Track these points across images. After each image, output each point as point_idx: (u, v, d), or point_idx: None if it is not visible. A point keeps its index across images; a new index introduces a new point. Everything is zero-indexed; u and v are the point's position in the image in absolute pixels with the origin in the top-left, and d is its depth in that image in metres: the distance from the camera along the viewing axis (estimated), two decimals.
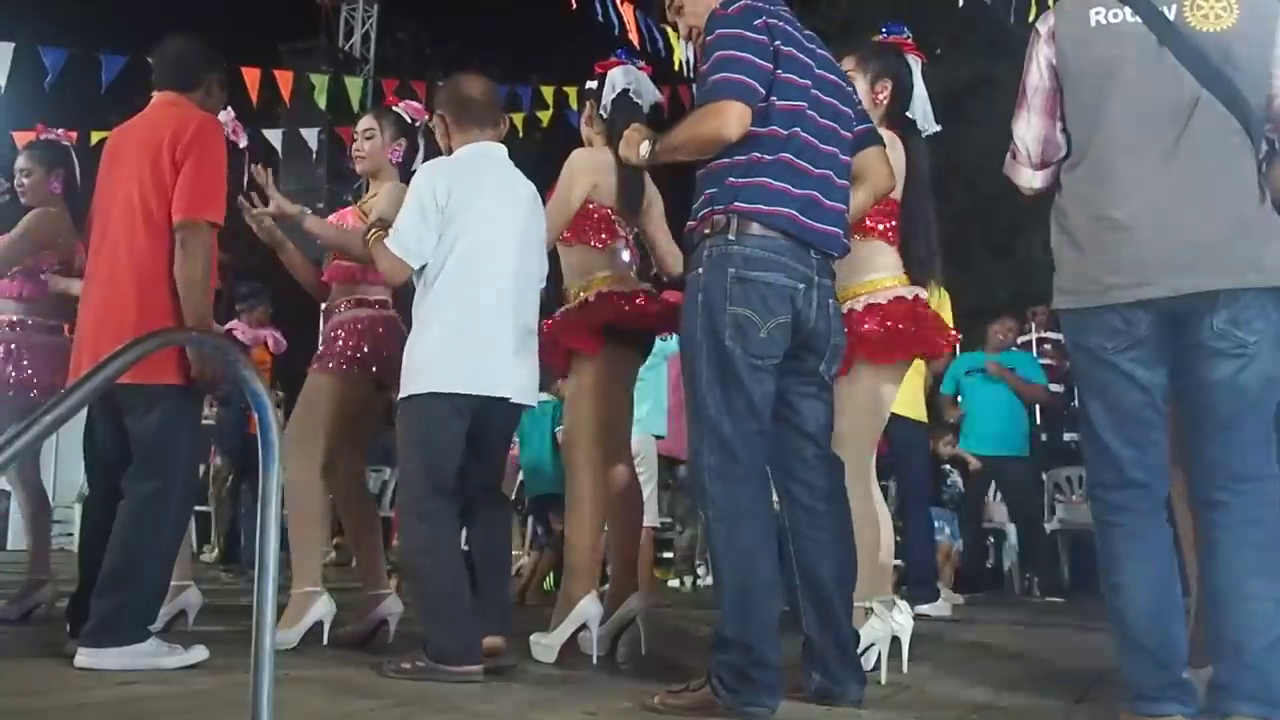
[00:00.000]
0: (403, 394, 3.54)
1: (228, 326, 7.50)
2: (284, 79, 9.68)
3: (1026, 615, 6.31)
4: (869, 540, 3.53)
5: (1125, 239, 2.68)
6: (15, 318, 4.76)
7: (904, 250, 3.82)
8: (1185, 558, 3.07)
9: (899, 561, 5.74)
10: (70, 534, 9.05)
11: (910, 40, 3.95)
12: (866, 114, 3.47)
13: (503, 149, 3.78)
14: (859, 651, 3.21)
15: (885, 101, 3.83)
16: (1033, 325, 9.19)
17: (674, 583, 8.00)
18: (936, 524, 7.00)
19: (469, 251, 3.54)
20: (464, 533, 3.72)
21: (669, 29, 8.95)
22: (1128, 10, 2.74)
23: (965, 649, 4.68)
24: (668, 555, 8.49)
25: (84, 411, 3.66)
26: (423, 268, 3.57)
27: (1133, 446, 2.73)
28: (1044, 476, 8.68)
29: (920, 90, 3.89)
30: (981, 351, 8.20)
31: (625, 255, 4.12)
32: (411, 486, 3.51)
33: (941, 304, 5.46)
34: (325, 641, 4.08)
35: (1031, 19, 6.81)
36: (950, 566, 7.70)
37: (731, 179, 2.96)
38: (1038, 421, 8.92)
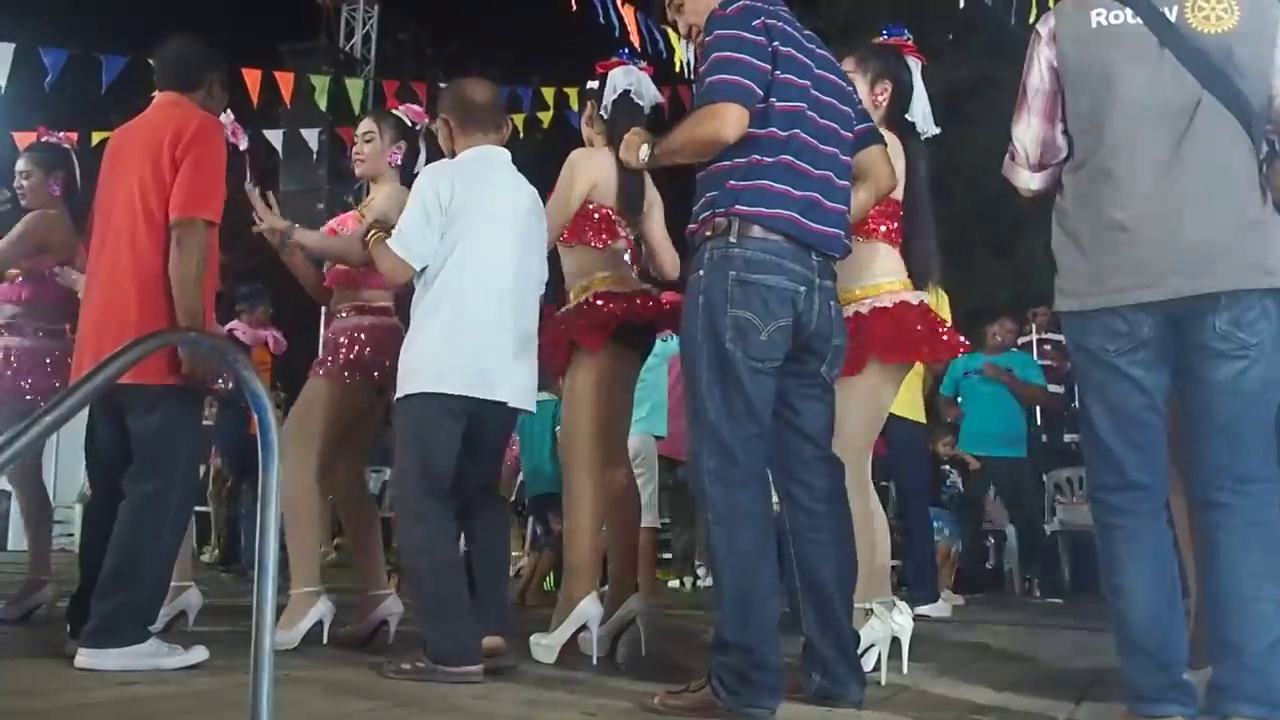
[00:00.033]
0: (399, 394, 3.54)
1: (228, 327, 7.50)
2: (285, 80, 9.69)
3: (1027, 616, 6.31)
4: (868, 541, 3.53)
5: (1127, 240, 2.68)
6: (16, 322, 4.75)
7: (905, 252, 3.82)
8: (1183, 559, 3.07)
9: (896, 562, 5.74)
10: (70, 534, 9.08)
11: (910, 42, 3.95)
12: (867, 113, 3.47)
13: (505, 153, 3.79)
14: (859, 652, 3.21)
15: (885, 103, 3.83)
16: (1033, 326, 9.19)
17: (674, 583, 8.00)
18: (935, 525, 7.00)
19: (469, 253, 3.55)
20: (462, 534, 3.73)
21: (669, 30, 8.95)
22: (1129, 12, 2.74)
23: (965, 650, 4.67)
24: (667, 556, 8.48)
25: (85, 412, 3.68)
26: (424, 271, 3.57)
27: (1134, 449, 2.73)
28: (1044, 477, 8.69)
29: (920, 92, 3.89)
30: (980, 353, 8.20)
31: (626, 256, 4.12)
32: (407, 487, 3.51)
33: (940, 305, 5.46)
34: (325, 642, 4.08)
35: (1032, 20, 6.82)
36: (949, 567, 7.70)
37: (732, 182, 2.96)
38: (1038, 422, 8.93)
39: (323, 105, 10.57)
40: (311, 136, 10.89)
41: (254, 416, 1.97)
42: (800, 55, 3.03)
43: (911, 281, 3.80)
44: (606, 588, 4.26)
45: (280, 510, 1.99)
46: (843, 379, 3.31)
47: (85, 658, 3.31)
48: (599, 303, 3.97)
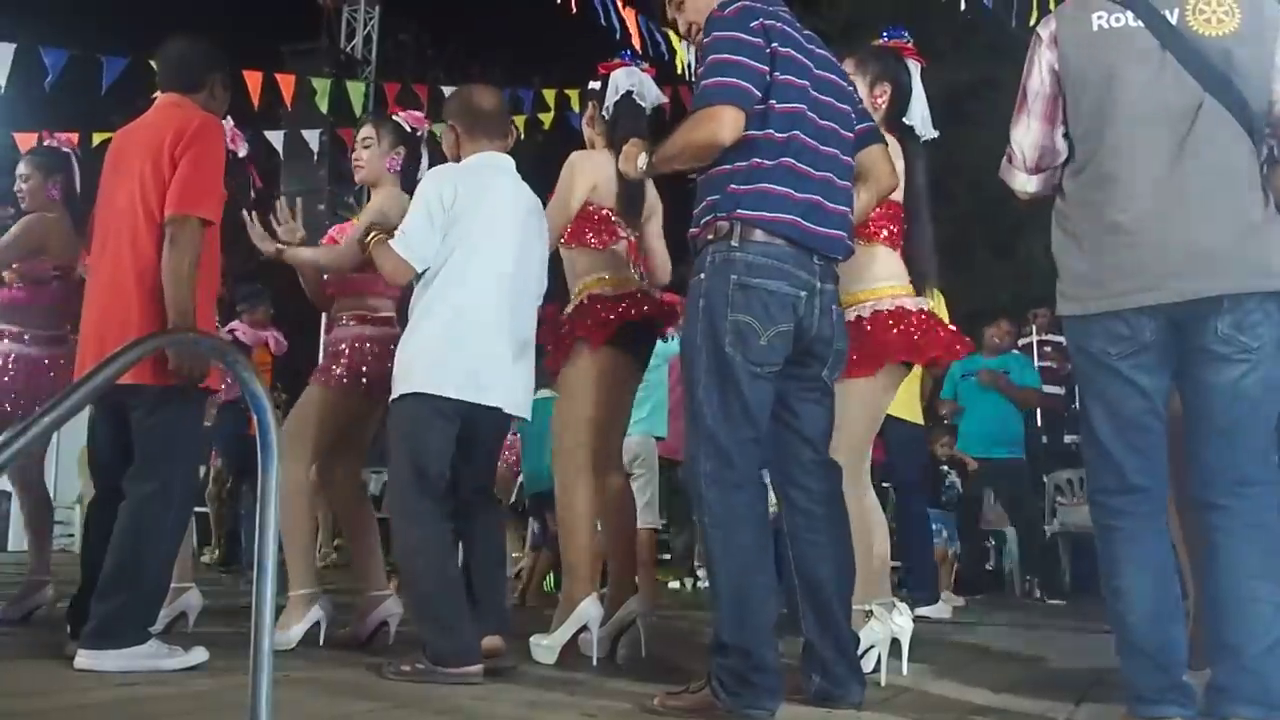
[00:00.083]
0: (394, 395, 3.54)
1: (229, 327, 7.50)
2: (285, 82, 9.69)
3: (1027, 617, 6.31)
4: (866, 543, 3.53)
5: (1129, 243, 2.68)
6: (14, 329, 4.75)
7: (904, 255, 3.82)
8: (1181, 560, 3.07)
9: (896, 564, 5.74)
10: (71, 535, 9.08)
11: (910, 44, 3.94)
12: (868, 113, 3.46)
13: (509, 160, 3.81)
14: (859, 654, 3.21)
15: (884, 105, 3.82)
16: (1034, 328, 9.18)
17: (674, 584, 8.00)
18: (934, 527, 7.00)
19: (468, 257, 3.56)
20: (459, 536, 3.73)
21: (670, 32, 8.94)
22: (1130, 15, 2.74)
23: (965, 651, 4.68)
24: (666, 557, 8.48)
25: (87, 412, 3.68)
26: (423, 273, 3.58)
27: (1135, 453, 2.73)
28: (1045, 479, 8.68)
29: (919, 95, 3.88)
30: (979, 355, 8.20)
31: (627, 256, 4.12)
32: (401, 488, 3.51)
33: (938, 307, 5.47)
34: (323, 643, 4.08)
35: (1033, 22, 6.81)
36: (947, 569, 7.70)
37: (733, 186, 2.95)
38: (1038, 424, 8.92)
39: (324, 108, 10.57)
40: (312, 138, 10.88)
41: (254, 417, 1.97)
42: (799, 56, 3.02)
43: (912, 285, 3.80)
44: (606, 589, 4.26)
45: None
46: (842, 380, 3.31)
47: (85, 659, 3.31)
48: (597, 306, 3.97)
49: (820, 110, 3.05)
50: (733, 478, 2.91)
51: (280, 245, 4.18)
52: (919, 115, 3.87)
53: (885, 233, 3.74)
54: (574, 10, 8.49)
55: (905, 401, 5.73)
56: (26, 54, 8.29)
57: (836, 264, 3.13)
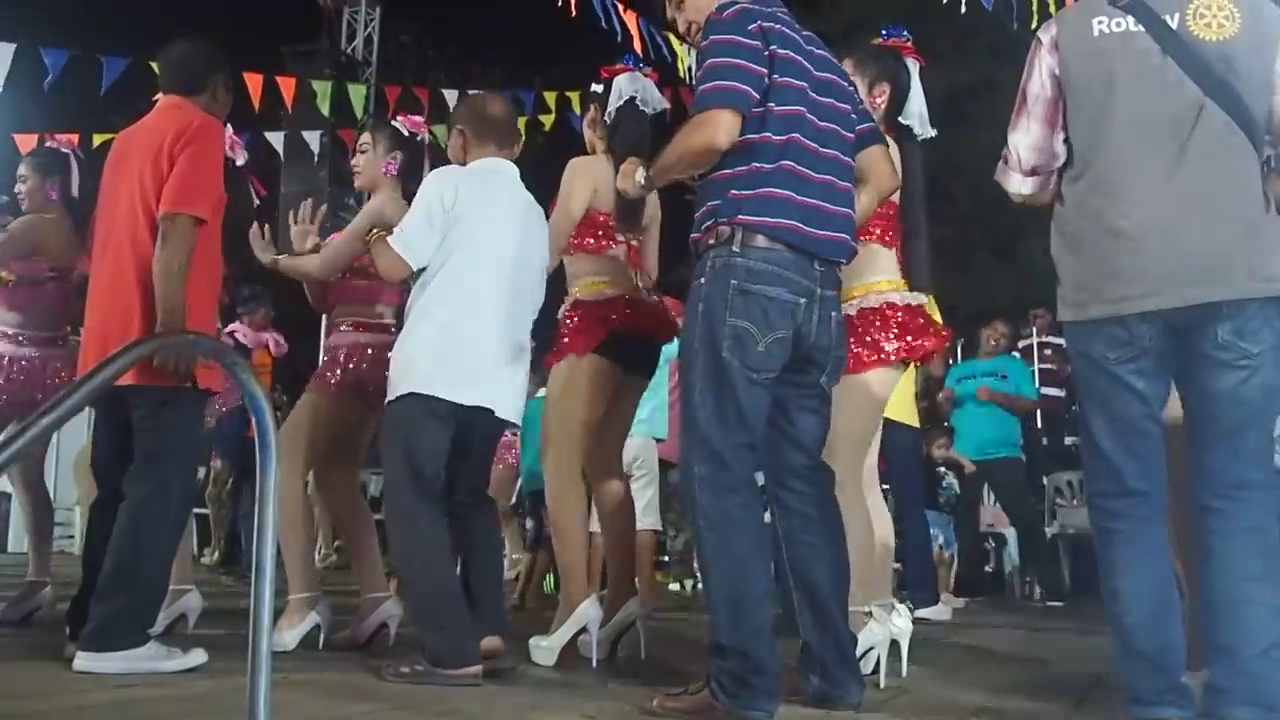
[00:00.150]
0: (389, 396, 3.55)
1: (229, 329, 7.50)
2: (286, 84, 9.70)
3: (1026, 619, 6.31)
4: (867, 544, 3.53)
5: (1129, 249, 2.68)
6: (10, 330, 4.76)
7: (900, 254, 3.82)
8: (1177, 563, 3.07)
9: (897, 565, 5.73)
10: (70, 536, 9.07)
11: (910, 43, 3.94)
12: (868, 113, 3.46)
13: (514, 168, 3.82)
14: (858, 655, 3.21)
15: (883, 105, 3.82)
16: (1034, 329, 9.18)
17: (674, 586, 7.99)
18: (930, 531, 7.00)
19: (466, 260, 3.57)
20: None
21: (671, 35, 8.94)
22: (1130, 19, 2.74)
23: (965, 653, 4.68)
24: (664, 558, 8.47)
25: (88, 414, 3.69)
26: (421, 274, 3.59)
27: (1134, 458, 2.73)
28: (1045, 480, 8.68)
29: (917, 94, 3.88)
30: (976, 358, 8.20)
31: (624, 260, 4.12)
32: (398, 490, 3.51)
33: (930, 309, 5.46)
34: (322, 645, 4.08)
35: (1033, 25, 6.82)
36: (944, 571, 7.70)
37: (734, 191, 2.95)
38: (1039, 426, 8.92)
39: (325, 110, 10.58)
40: (313, 139, 10.90)
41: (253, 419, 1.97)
42: (798, 57, 3.01)
43: (907, 284, 3.80)
44: (606, 591, 4.26)
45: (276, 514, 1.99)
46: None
47: (83, 661, 3.31)
48: (582, 312, 3.98)
49: (820, 112, 3.04)
50: (727, 481, 2.91)
51: (276, 257, 4.19)
52: (917, 114, 3.87)
53: (878, 230, 3.74)
54: (574, 13, 8.48)
55: (901, 404, 5.72)
56: (26, 54, 8.29)
57: (839, 268, 3.13)
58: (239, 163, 4.45)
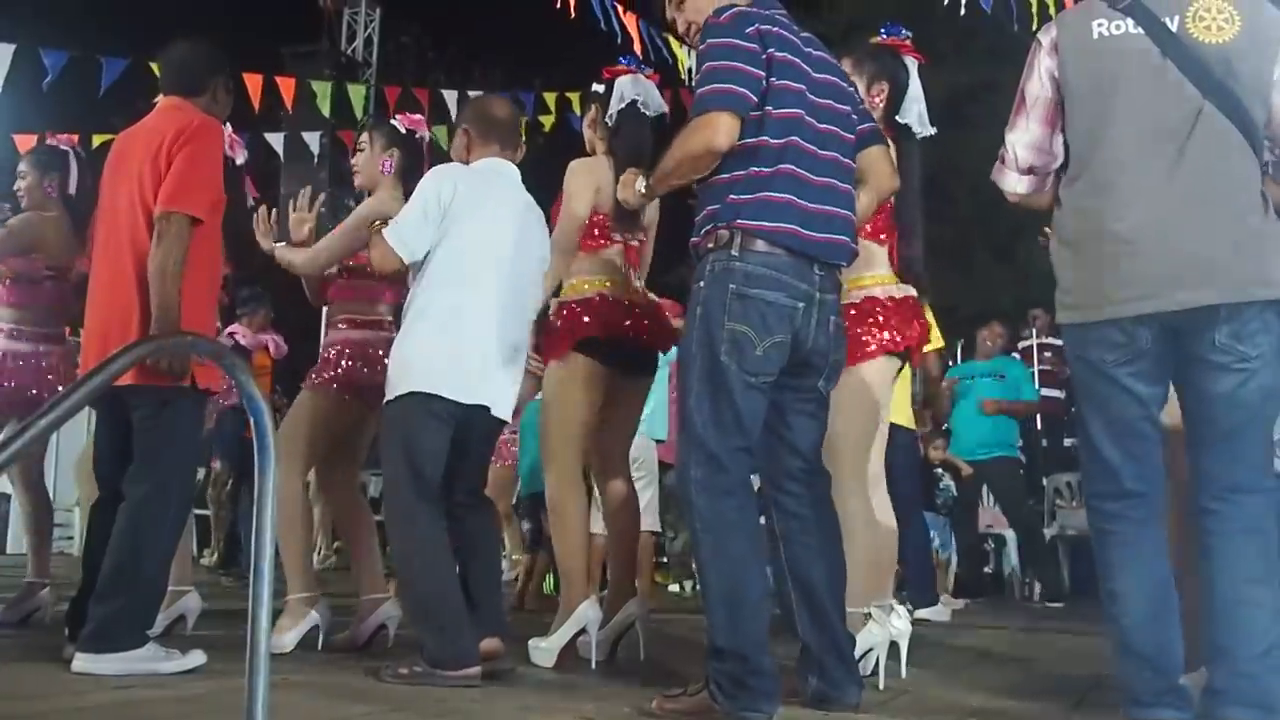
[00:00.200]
0: (388, 396, 3.55)
1: (229, 330, 7.49)
2: (286, 85, 9.70)
3: (1026, 620, 6.31)
4: (867, 545, 3.53)
5: (1127, 252, 2.68)
6: (7, 326, 4.76)
7: (894, 252, 3.82)
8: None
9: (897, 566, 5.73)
10: (70, 537, 9.06)
11: (908, 41, 3.93)
12: (868, 112, 3.46)
13: (515, 170, 3.82)
14: (857, 656, 3.21)
15: (882, 104, 3.81)
16: (1034, 330, 9.17)
17: (674, 587, 7.99)
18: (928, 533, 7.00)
19: (464, 259, 3.57)
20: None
21: (671, 37, 8.94)
22: (1130, 22, 2.74)
23: (964, 654, 4.68)
24: (664, 559, 8.47)
25: (88, 415, 3.68)
26: (418, 273, 3.59)
27: (1131, 459, 2.74)
28: (1044, 482, 8.68)
29: (916, 92, 3.86)
30: (974, 360, 8.18)
31: (618, 261, 4.11)
32: (398, 490, 3.51)
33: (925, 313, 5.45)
34: (320, 646, 4.08)
35: (1034, 27, 6.81)
36: (942, 572, 7.69)
37: (733, 195, 2.95)
38: (1038, 427, 8.91)
39: (325, 110, 10.58)
40: (313, 140, 10.90)
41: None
42: (796, 60, 3.01)
43: (898, 276, 3.80)
44: (606, 592, 4.26)
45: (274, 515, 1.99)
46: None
47: (82, 662, 3.31)
48: (564, 312, 3.98)
49: (819, 114, 3.04)
50: (723, 484, 2.91)
51: (275, 246, 4.19)
52: (916, 113, 3.86)
53: (869, 227, 3.72)
54: (573, 15, 8.48)
55: (897, 406, 5.71)
56: (26, 55, 8.29)
57: (839, 271, 3.13)
58: (239, 162, 4.45)
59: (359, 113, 10.38)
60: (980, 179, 3.27)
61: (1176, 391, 2.77)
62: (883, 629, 3.47)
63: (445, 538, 3.51)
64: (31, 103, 8.84)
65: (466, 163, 3.80)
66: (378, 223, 3.71)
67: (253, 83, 9.18)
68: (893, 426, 5.55)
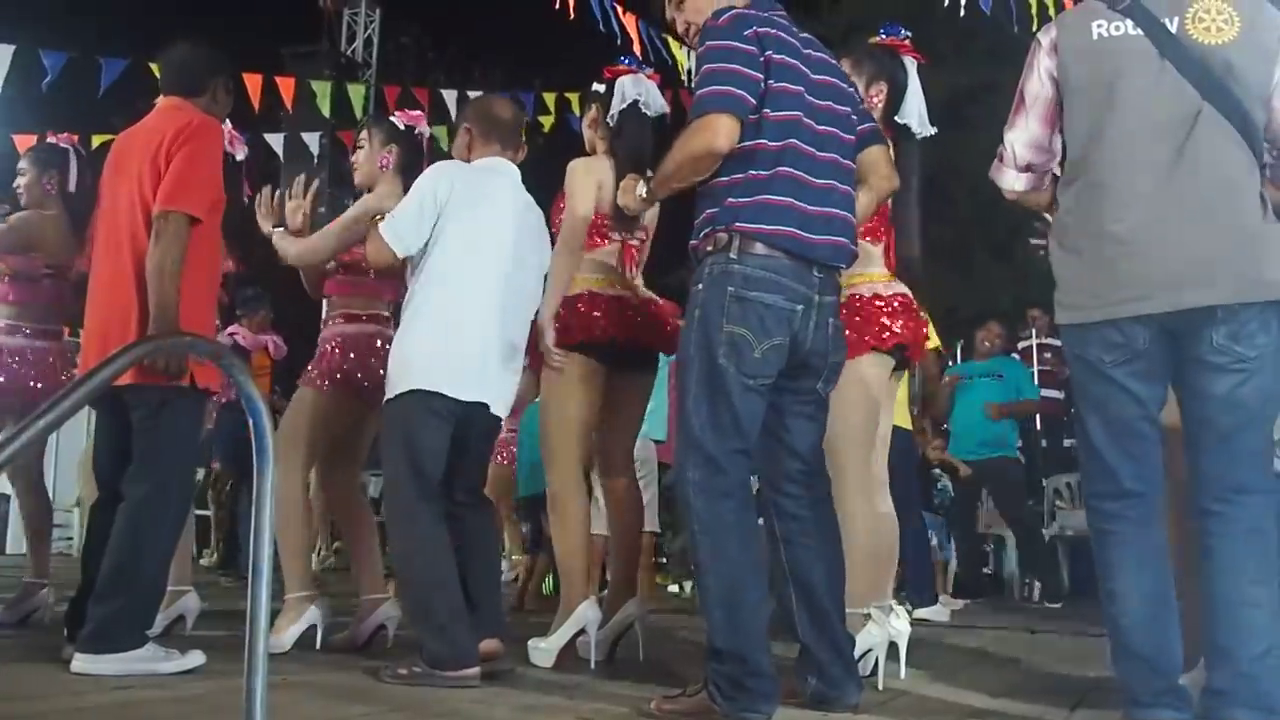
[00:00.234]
0: (388, 395, 3.55)
1: (229, 331, 7.49)
2: (286, 85, 9.70)
3: (1025, 621, 6.30)
4: (867, 546, 3.53)
5: (1124, 253, 2.68)
6: (5, 321, 4.76)
7: (889, 252, 3.82)
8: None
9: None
10: (69, 538, 9.07)
11: (907, 41, 3.92)
12: (869, 112, 3.45)
13: (515, 169, 3.82)
14: (856, 657, 3.21)
15: (880, 105, 3.80)
16: (1033, 331, 9.16)
17: (672, 588, 7.99)
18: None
19: (463, 257, 3.58)
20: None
21: (669, 38, 8.94)
22: (1129, 23, 2.75)
23: (963, 654, 4.68)
24: (663, 560, 8.47)
25: (87, 415, 3.68)
26: (417, 269, 3.59)
27: (1130, 459, 2.74)
28: (1044, 483, 8.67)
29: (915, 92, 3.85)
30: (972, 360, 8.18)
31: (613, 261, 4.10)
32: (399, 489, 3.51)
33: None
34: (319, 647, 4.07)
35: (1033, 28, 6.81)
36: (939, 572, 7.69)
37: (731, 199, 2.95)
38: (1038, 428, 8.90)
39: (325, 110, 10.58)
40: (312, 140, 10.90)
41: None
42: (795, 61, 3.01)
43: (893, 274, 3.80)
44: (606, 592, 4.26)
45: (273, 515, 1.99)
46: None
47: (81, 663, 3.30)
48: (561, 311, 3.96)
49: (818, 116, 3.04)
50: (722, 486, 2.91)
51: (273, 230, 4.19)
52: (915, 113, 3.85)
53: (861, 227, 3.72)
54: (572, 15, 8.48)
55: (895, 407, 5.70)
56: (25, 56, 8.30)
57: (838, 273, 3.12)
58: (239, 157, 4.45)
59: (359, 113, 10.37)
60: (980, 180, 3.27)
61: (1175, 393, 2.77)
62: (882, 630, 3.47)
63: (446, 537, 3.50)
64: (31, 103, 8.84)
65: (468, 161, 3.81)
66: (377, 217, 3.72)
67: (252, 83, 9.19)
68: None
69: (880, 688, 3.41)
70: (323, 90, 10.45)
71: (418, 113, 4.55)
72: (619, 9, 8.84)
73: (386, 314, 4.33)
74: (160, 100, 3.81)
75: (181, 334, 3.39)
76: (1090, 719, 3.17)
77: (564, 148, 4.92)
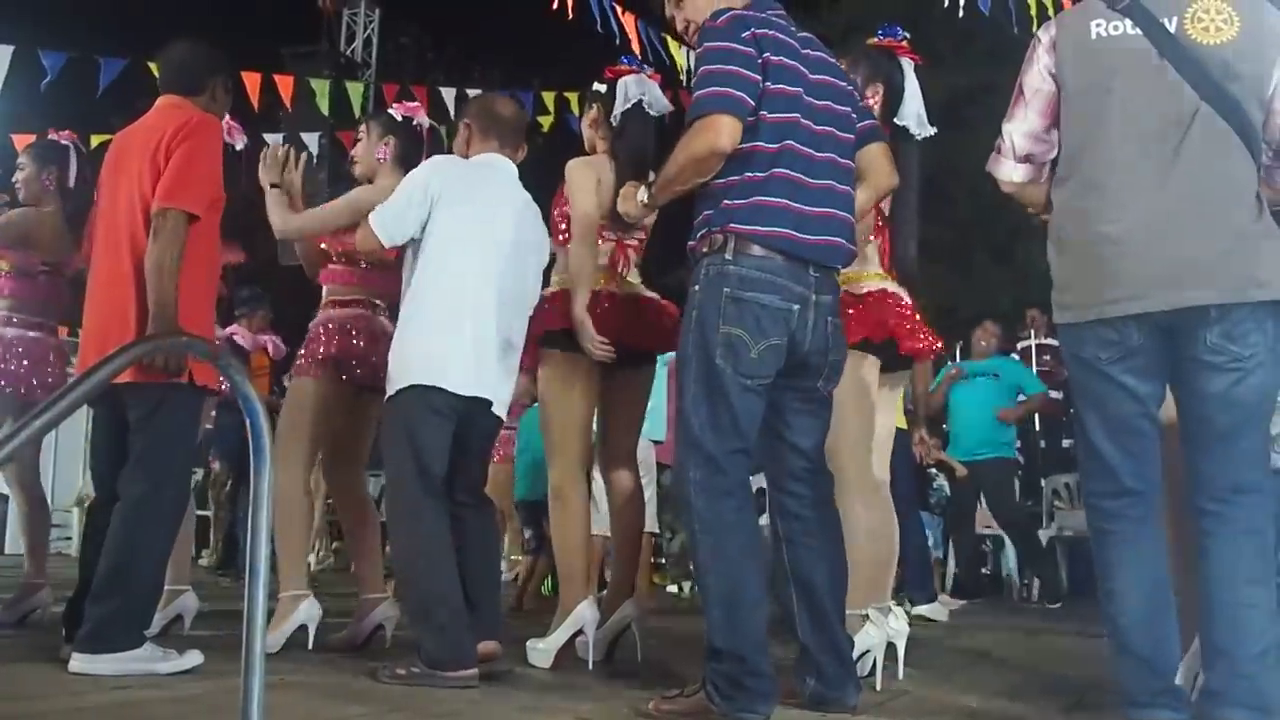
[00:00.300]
0: (389, 392, 3.55)
1: (228, 331, 7.49)
2: (285, 84, 9.69)
3: (1024, 621, 6.30)
4: (866, 547, 3.52)
5: (1118, 253, 2.69)
6: (2, 313, 4.76)
7: (887, 251, 3.82)
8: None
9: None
10: (68, 538, 9.07)
11: (904, 42, 3.92)
12: (868, 110, 3.45)
13: (512, 166, 3.81)
14: (855, 658, 3.21)
15: (877, 106, 3.80)
16: (1032, 331, 9.16)
17: (671, 588, 7.98)
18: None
19: (459, 251, 3.58)
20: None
21: (668, 38, 8.93)
22: (1128, 23, 2.75)
23: (962, 655, 4.68)
24: (662, 560, 8.46)
25: (85, 415, 3.68)
26: (413, 263, 3.60)
27: (1129, 457, 2.74)
28: (1043, 483, 8.67)
29: (914, 92, 3.85)
30: (970, 360, 8.17)
31: (606, 259, 4.09)
32: (403, 487, 3.50)
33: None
34: (311, 645, 4.06)
35: (1033, 29, 6.80)
36: (935, 572, 7.68)
37: (727, 200, 2.95)
38: (1037, 428, 8.90)
39: (324, 109, 10.57)
40: (312, 140, 10.89)
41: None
42: (793, 62, 3.01)
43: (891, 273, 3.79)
44: (604, 593, 4.25)
45: (272, 513, 1.99)
46: None
47: (79, 662, 3.30)
48: (544, 308, 3.95)
49: (815, 116, 3.03)
50: (721, 485, 2.91)
51: (275, 183, 4.21)
52: (913, 114, 3.85)
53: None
54: (571, 15, 8.48)
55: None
56: (24, 56, 8.29)
57: (836, 273, 3.12)
58: (238, 147, 4.44)
59: (358, 112, 10.37)
60: (979, 180, 3.27)
61: (1172, 392, 2.77)
62: (880, 630, 3.47)
63: (449, 536, 3.50)
64: (30, 103, 8.83)
65: (466, 157, 3.80)
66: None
67: (251, 82, 9.18)
68: None
69: (878, 688, 3.41)
70: (322, 89, 10.44)
71: (415, 104, 4.54)
72: (618, 9, 8.84)
73: (378, 302, 4.33)
74: (159, 99, 3.81)
75: (180, 332, 3.38)
76: (1088, 719, 3.17)
77: (563, 147, 4.92)
